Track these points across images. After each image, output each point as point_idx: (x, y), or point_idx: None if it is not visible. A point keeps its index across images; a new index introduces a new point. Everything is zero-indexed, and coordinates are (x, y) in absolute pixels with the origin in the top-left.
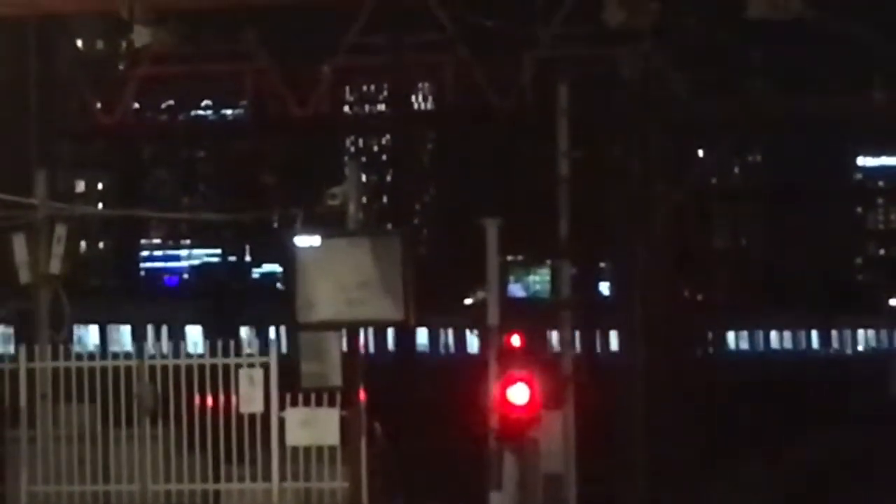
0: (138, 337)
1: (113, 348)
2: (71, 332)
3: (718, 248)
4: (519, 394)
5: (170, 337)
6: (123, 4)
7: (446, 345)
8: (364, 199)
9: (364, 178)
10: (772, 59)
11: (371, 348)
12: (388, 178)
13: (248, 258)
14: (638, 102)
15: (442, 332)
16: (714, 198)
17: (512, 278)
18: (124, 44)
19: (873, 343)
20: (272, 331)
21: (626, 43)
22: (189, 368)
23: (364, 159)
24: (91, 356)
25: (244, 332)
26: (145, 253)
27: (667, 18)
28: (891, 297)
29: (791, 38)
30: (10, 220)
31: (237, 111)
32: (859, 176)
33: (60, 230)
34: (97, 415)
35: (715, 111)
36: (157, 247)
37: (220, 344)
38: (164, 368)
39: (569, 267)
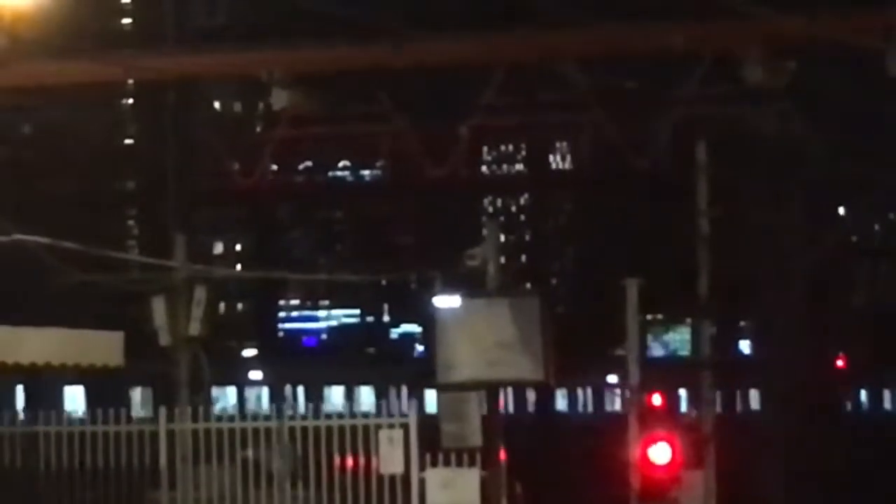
0: (277, 398)
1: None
2: (209, 394)
3: (858, 306)
4: (660, 453)
5: (309, 398)
6: (262, 68)
7: (585, 404)
8: (503, 259)
9: (502, 237)
10: None
11: (510, 407)
12: (527, 238)
13: (386, 318)
14: (775, 161)
15: (581, 391)
16: (854, 256)
17: (650, 337)
18: (261, 106)
19: None
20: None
21: (763, 102)
22: (329, 429)
23: (502, 219)
24: (231, 417)
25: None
26: (283, 314)
27: (804, 77)
28: None
29: None
30: (150, 282)
31: (374, 172)
32: None
33: (199, 292)
34: (237, 476)
35: (853, 170)
36: (295, 307)
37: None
38: (304, 429)
39: (709, 325)
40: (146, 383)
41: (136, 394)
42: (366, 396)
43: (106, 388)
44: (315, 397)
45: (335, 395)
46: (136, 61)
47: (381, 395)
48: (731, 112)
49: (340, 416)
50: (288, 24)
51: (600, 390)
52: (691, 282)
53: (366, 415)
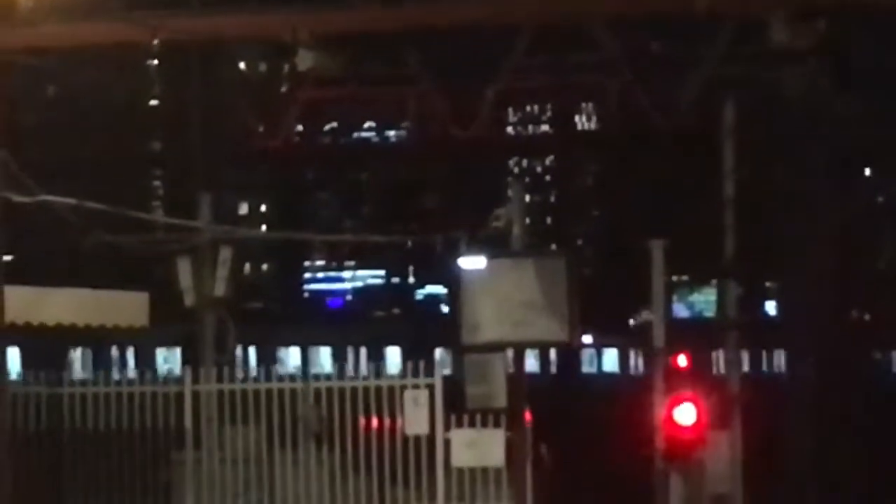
0: (303, 359)
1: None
2: (233, 355)
3: (884, 267)
4: (685, 414)
5: (334, 359)
6: (287, 29)
7: (611, 365)
8: (528, 220)
9: (528, 198)
10: None
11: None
12: (552, 199)
13: (411, 280)
14: (802, 122)
15: (606, 352)
16: (880, 216)
17: (675, 298)
18: (287, 67)
19: None
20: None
21: (791, 63)
22: (354, 390)
23: (527, 180)
24: (256, 378)
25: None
26: (308, 275)
27: (832, 38)
28: None
29: None
30: (175, 243)
31: (400, 133)
32: None
33: (225, 253)
34: (262, 437)
35: (880, 131)
36: (320, 269)
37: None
38: (329, 390)
39: (735, 286)
40: (173, 343)
41: (77, 354)
42: (323, 358)
43: (43, 350)
44: (268, 359)
45: (292, 358)
46: (161, 22)
47: (338, 357)
48: (759, 73)
49: (366, 377)
50: None
51: (626, 352)
52: (717, 243)
53: (391, 376)
